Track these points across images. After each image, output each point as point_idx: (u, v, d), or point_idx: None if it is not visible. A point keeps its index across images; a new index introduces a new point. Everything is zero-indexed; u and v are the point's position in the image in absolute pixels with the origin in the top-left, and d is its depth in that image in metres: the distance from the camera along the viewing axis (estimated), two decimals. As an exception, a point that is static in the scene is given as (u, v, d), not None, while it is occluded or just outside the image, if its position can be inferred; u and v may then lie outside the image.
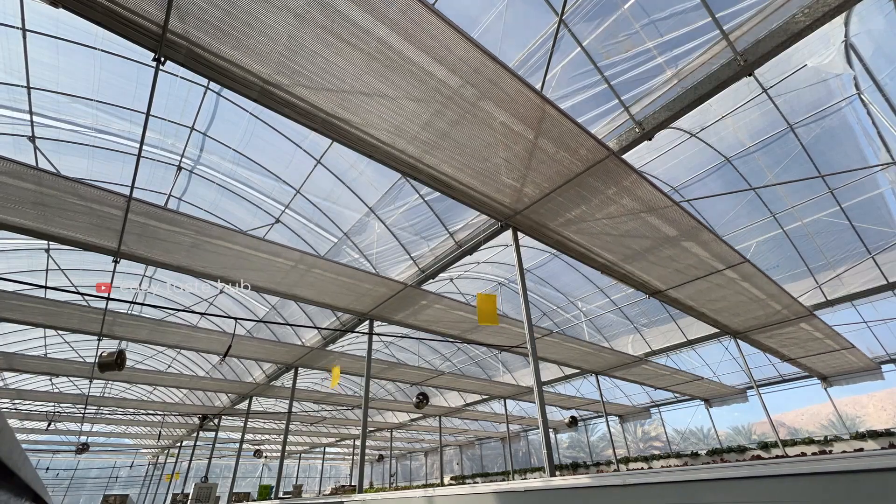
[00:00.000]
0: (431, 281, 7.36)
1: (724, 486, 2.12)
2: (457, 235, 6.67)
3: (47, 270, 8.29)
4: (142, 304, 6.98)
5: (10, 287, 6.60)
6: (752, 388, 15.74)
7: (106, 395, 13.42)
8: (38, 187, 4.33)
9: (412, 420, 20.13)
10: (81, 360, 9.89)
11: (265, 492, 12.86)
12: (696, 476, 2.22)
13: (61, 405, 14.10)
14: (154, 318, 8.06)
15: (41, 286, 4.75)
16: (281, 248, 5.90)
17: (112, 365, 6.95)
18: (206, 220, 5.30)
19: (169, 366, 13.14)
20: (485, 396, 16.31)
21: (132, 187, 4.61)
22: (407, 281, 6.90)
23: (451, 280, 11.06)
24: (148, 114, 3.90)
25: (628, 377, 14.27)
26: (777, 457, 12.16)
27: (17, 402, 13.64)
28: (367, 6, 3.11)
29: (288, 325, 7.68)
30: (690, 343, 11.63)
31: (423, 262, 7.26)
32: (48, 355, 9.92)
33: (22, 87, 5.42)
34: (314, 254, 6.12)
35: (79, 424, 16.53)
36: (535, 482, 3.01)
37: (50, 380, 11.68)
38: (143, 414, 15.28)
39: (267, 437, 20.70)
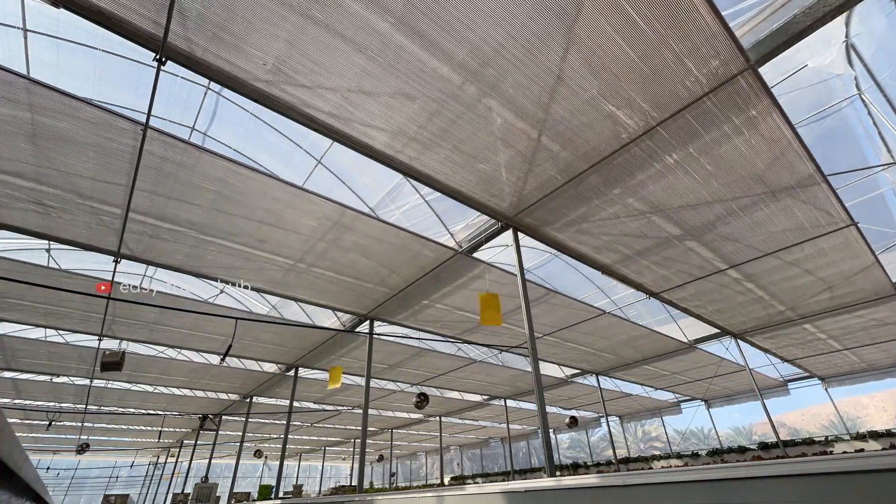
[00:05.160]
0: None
1: (724, 487, 2.12)
2: (457, 236, 6.67)
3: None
4: (142, 304, 6.99)
5: (11, 286, 6.61)
6: (793, 380, 15.39)
7: (107, 395, 13.47)
8: (32, 115, 3.92)
9: (418, 421, 20.12)
10: (79, 346, 9.90)
11: (265, 492, 12.86)
12: (696, 476, 2.22)
13: (62, 404, 14.11)
14: (164, 295, 8.03)
15: (42, 286, 4.76)
16: (318, 199, 5.17)
17: (114, 365, 6.96)
18: (236, 161, 4.63)
19: (169, 368, 13.14)
20: (486, 396, 16.31)
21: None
22: (456, 246, 6.42)
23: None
24: (149, 114, 3.90)
25: (628, 377, 14.26)
26: (777, 457, 12.15)
27: (17, 400, 13.65)
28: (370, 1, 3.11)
29: (289, 324, 7.71)
30: (691, 344, 11.61)
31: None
32: (50, 356, 9.93)
33: (23, 87, 5.43)
34: (356, 209, 5.48)
35: (79, 423, 16.53)
36: (544, 482, 3.02)
37: (51, 379, 11.69)
38: (143, 414, 15.30)
39: (268, 435, 20.71)
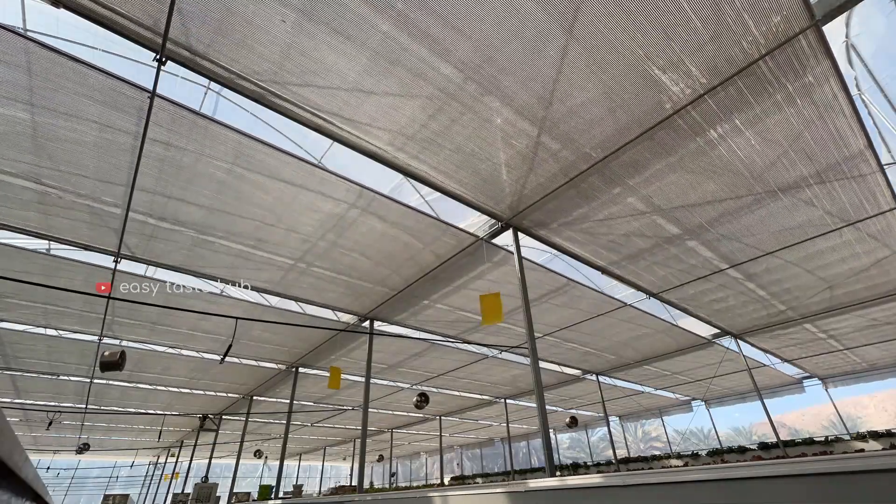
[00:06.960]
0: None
1: (725, 487, 2.12)
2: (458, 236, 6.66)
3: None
4: (142, 304, 6.98)
5: (11, 286, 6.61)
6: (809, 377, 15.10)
7: (107, 394, 13.47)
8: (28, 77, 3.73)
9: (418, 420, 20.12)
10: (85, 340, 9.90)
11: (265, 492, 12.86)
12: (697, 476, 2.22)
13: (62, 403, 14.10)
14: (168, 284, 8.03)
15: (42, 285, 4.76)
16: (338, 180, 4.89)
17: (114, 365, 6.95)
18: (248, 135, 4.32)
19: (170, 366, 13.15)
20: (485, 397, 16.30)
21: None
22: (476, 231, 5.97)
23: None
24: (149, 114, 3.90)
25: (628, 378, 14.26)
26: (777, 457, 12.14)
27: (17, 400, 13.64)
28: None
29: (290, 324, 7.71)
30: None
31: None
32: (49, 351, 9.92)
33: (23, 86, 5.42)
34: (376, 190, 5.13)
35: (80, 422, 16.53)
36: (546, 481, 3.03)
37: (51, 378, 11.70)
38: (143, 414, 15.30)
39: (268, 435, 20.73)
